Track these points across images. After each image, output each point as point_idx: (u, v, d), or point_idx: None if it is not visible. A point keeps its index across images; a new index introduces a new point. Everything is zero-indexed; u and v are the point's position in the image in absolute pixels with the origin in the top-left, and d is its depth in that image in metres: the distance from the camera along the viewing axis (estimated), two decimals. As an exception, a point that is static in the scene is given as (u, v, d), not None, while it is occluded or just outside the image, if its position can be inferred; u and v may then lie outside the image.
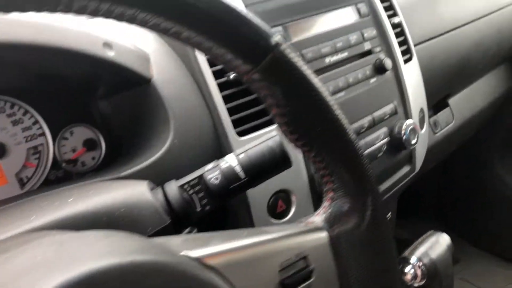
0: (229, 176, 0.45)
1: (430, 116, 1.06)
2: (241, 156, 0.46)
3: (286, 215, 0.66)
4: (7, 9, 0.24)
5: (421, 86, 0.89)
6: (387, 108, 0.79)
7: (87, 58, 0.51)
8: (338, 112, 0.35)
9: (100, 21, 0.27)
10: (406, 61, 0.84)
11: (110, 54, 0.52)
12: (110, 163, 0.60)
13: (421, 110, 0.88)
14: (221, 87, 0.61)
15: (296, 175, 0.66)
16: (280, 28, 0.67)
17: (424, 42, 0.95)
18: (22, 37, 0.46)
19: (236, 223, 0.65)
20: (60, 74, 0.56)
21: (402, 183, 0.86)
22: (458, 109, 1.15)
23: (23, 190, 0.58)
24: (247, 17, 0.30)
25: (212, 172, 0.46)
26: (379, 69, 0.77)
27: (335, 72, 0.73)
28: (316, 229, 0.37)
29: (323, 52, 0.71)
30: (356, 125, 0.74)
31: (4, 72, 0.53)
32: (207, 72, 0.61)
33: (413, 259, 0.65)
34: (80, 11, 0.25)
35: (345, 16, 0.76)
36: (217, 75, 0.61)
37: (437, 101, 1.09)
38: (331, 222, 0.37)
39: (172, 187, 0.45)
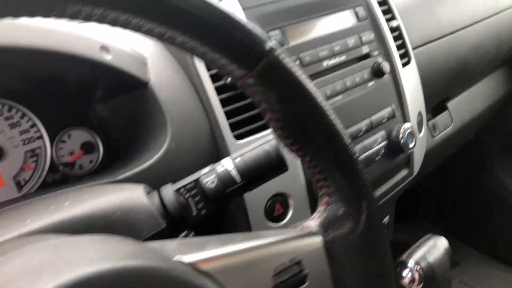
0: (225, 180, 0.46)
1: (428, 120, 1.06)
2: (237, 160, 0.46)
3: (284, 219, 0.66)
4: (1, 14, 0.24)
5: (419, 90, 0.89)
6: (385, 112, 0.79)
7: (84, 62, 0.51)
8: (333, 117, 0.35)
9: (97, 24, 0.27)
10: (404, 65, 0.85)
11: (107, 57, 0.52)
12: (108, 166, 0.60)
13: (419, 114, 0.88)
14: (219, 90, 0.62)
15: (294, 178, 0.66)
16: (277, 31, 0.67)
17: (423, 46, 0.95)
18: (19, 41, 0.46)
19: (233, 226, 0.65)
20: (58, 77, 0.56)
21: (400, 186, 0.86)
22: (457, 112, 1.15)
23: (20, 193, 0.58)
24: (241, 23, 0.30)
25: (208, 176, 0.46)
26: (377, 72, 0.78)
27: (333, 76, 0.73)
28: (311, 233, 0.37)
29: (320, 55, 0.71)
30: (353, 128, 0.74)
31: (2, 75, 0.53)
32: (205, 76, 0.61)
33: (410, 263, 0.65)
34: (73, 16, 0.26)
35: (343, 20, 0.76)
36: (214, 78, 0.62)
37: (435, 105, 1.09)
38: (325, 227, 0.37)
39: (168, 191, 0.45)
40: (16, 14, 0.24)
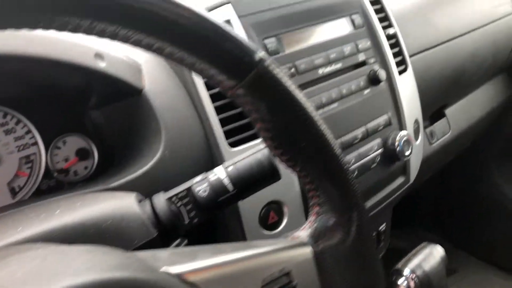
0: (218, 189, 0.45)
1: (426, 127, 1.06)
2: (230, 168, 0.46)
3: (278, 227, 0.66)
4: None
5: (416, 97, 0.89)
6: (381, 119, 0.79)
7: (79, 69, 0.51)
8: (323, 127, 0.35)
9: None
10: (401, 72, 0.85)
11: (101, 65, 0.53)
12: (103, 173, 0.60)
13: (416, 121, 0.88)
14: (213, 98, 0.62)
15: (288, 186, 0.66)
16: (273, 39, 0.67)
17: (420, 53, 0.95)
18: (13, 49, 0.47)
19: (228, 234, 0.65)
20: (52, 84, 0.56)
21: (396, 194, 0.86)
22: (454, 119, 1.15)
23: (14, 200, 0.58)
24: (231, 33, 0.30)
25: (201, 185, 0.46)
26: (373, 80, 0.78)
27: (329, 83, 0.73)
28: (301, 244, 0.37)
29: (316, 63, 0.71)
30: (349, 136, 0.74)
31: (-3, 82, 0.53)
32: (199, 83, 0.61)
33: (406, 271, 0.65)
34: (61, 28, 0.26)
35: (339, 27, 0.76)
36: (209, 86, 0.62)
37: (433, 112, 1.09)
38: (316, 237, 0.37)
39: (160, 199, 0.45)
40: (2, 26, 0.24)
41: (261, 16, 0.67)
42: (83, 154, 0.62)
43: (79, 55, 0.51)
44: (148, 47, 0.29)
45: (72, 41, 0.51)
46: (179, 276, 0.29)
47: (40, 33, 0.49)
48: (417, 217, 1.66)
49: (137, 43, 0.28)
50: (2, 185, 0.57)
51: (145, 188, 0.52)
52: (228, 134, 0.62)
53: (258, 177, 0.46)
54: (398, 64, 0.84)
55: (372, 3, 0.83)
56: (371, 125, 0.77)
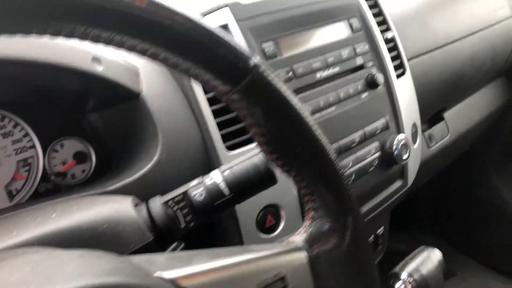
0: (214, 193, 0.46)
1: (425, 130, 1.06)
2: (226, 172, 0.46)
3: (275, 230, 0.66)
4: None
5: (414, 101, 0.89)
6: (379, 123, 0.79)
7: (76, 73, 0.51)
8: (318, 132, 0.35)
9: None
10: (399, 76, 0.85)
11: (99, 68, 0.53)
12: (100, 176, 0.60)
13: (414, 125, 0.88)
14: (211, 101, 0.62)
15: (285, 190, 0.66)
16: (271, 43, 0.67)
17: (418, 57, 0.96)
18: (10, 53, 0.47)
19: (225, 237, 0.65)
20: (50, 88, 0.56)
21: (394, 197, 0.86)
22: (453, 123, 1.15)
23: (11, 203, 0.58)
24: (225, 39, 0.31)
25: (197, 189, 0.46)
26: (371, 84, 0.78)
27: (326, 87, 0.73)
28: (296, 249, 0.37)
29: (314, 67, 0.71)
30: (347, 139, 0.74)
31: (-6, 86, 0.53)
32: (197, 87, 0.61)
33: (403, 275, 0.65)
34: (55, 34, 0.26)
35: (337, 31, 0.76)
36: (206, 89, 0.62)
37: (432, 115, 1.09)
38: (311, 242, 0.37)
39: (156, 203, 0.45)
40: None
41: (259, 20, 0.67)
42: (80, 157, 0.62)
43: (76, 59, 0.51)
44: (142, 53, 0.29)
45: (69, 45, 0.51)
46: (173, 281, 0.29)
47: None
48: (416, 220, 1.66)
49: (131, 49, 0.28)
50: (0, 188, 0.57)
51: (142, 192, 0.52)
52: (225, 138, 0.62)
53: (255, 181, 0.46)
54: (396, 67, 0.84)
55: (370, 7, 0.83)
56: (369, 128, 0.77)
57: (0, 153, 0.58)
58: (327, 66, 0.73)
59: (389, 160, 0.79)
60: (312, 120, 0.35)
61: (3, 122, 0.58)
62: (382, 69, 0.81)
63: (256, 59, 0.32)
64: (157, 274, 0.29)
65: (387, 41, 0.83)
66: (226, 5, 0.65)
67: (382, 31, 0.84)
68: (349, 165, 0.74)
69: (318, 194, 0.37)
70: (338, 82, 0.75)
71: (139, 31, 0.28)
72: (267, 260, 0.35)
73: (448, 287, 1.43)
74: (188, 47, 0.30)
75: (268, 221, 0.65)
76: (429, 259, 0.69)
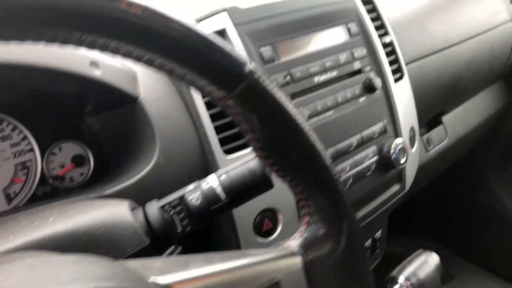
0: (210, 198, 0.46)
1: (423, 134, 1.07)
2: (223, 177, 0.47)
3: (273, 234, 0.66)
4: None
5: (412, 105, 0.89)
6: (376, 127, 0.79)
7: (74, 78, 0.52)
8: (313, 138, 0.36)
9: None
10: (396, 80, 0.85)
11: (97, 73, 0.53)
12: (98, 180, 0.60)
13: (412, 129, 0.88)
14: (208, 105, 0.62)
15: (282, 193, 0.66)
16: (269, 47, 0.68)
17: (416, 61, 0.96)
18: (9, 57, 0.47)
19: (222, 241, 0.65)
20: (48, 92, 0.56)
21: (392, 201, 0.86)
22: (451, 126, 1.16)
23: (9, 206, 0.58)
24: (221, 45, 0.31)
25: (193, 193, 0.46)
26: (369, 88, 0.78)
27: (324, 91, 0.73)
28: (291, 254, 0.37)
29: (312, 71, 0.71)
30: (344, 143, 0.74)
31: (-7, 90, 0.54)
32: (195, 91, 0.61)
33: (401, 279, 0.65)
34: (50, 41, 0.26)
35: (335, 36, 0.77)
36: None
37: (430, 119, 1.10)
38: (306, 247, 0.38)
39: (153, 208, 0.45)
40: None
41: (257, 24, 0.68)
42: (79, 161, 0.62)
43: (74, 63, 0.51)
44: (138, 59, 0.29)
45: (67, 50, 0.51)
46: (167, 287, 0.30)
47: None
48: (415, 223, 1.67)
49: (127, 55, 0.28)
50: (-2, 191, 0.58)
51: (140, 195, 0.52)
52: (223, 142, 0.62)
53: (251, 186, 0.47)
54: (394, 72, 0.85)
55: (368, 11, 0.83)
56: (366, 132, 0.77)
57: (-2, 157, 0.58)
58: (325, 71, 0.73)
59: (387, 164, 0.79)
60: (307, 126, 0.35)
61: (1, 125, 0.58)
62: (380, 73, 0.81)
63: (251, 65, 0.32)
64: (152, 279, 0.30)
65: (385, 45, 0.84)
66: (224, 10, 0.66)
67: (380, 36, 0.84)
68: (346, 169, 0.74)
69: (313, 199, 0.37)
70: (336, 86, 0.75)
71: (134, 38, 0.28)
72: (262, 265, 0.35)
73: (447, 291, 1.43)
74: (184, 54, 0.30)
75: (265, 225, 0.65)
76: (426, 263, 0.69)
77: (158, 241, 0.44)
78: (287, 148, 0.35)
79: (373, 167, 0.78)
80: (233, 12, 0.66)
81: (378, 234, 0.94)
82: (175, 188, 0.48)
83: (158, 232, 0.44)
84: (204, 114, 0.61)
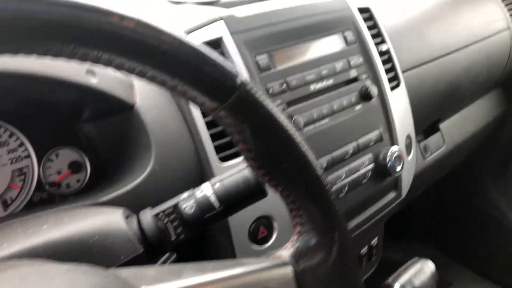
0: (204, 206, 0.46)
1: (420, 141, 1.07)
2: (217, 185, 0.47)
3: (268, 241, 0.67)
4: None
5: (408, 113, 0.89)
6: (372, 135, 0.79)
7: (71, 86, 0.52)
8: (305, 148, 0.36)
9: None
10: (393, 88, 0.85)
11: (93, 81, 0.53)
12: (94, 186, 0.60)
13: (408, 137, 0.88)
14: (204, 113, 0.62)
15: (278, 201, 0.65)
16: (265, 55, 0.68)
17: (413, 68, 0.96)
18: (6, 66, 0.47)
19: (217, 248, 0.65)
20: (45, 99, 0.57)
21: (388, 209, 0.86)
22: (449, 134, 1.16)
23: (6, 212, 0.59)
24: (212, 57, 0.31)
25: (187, 201, 0.46)
26: (365, 96, 0.78)
27: (320, 99, 0.74)
28: (282, 263, 0.37)
29: (308, 79, 0.72)
30: (340, 151, 0.74)
31: (-10, 97, 0.54)
32: (191, 99, 0.62)
33: (396, 286, 0.65)
34: (42, 54, 0.26)
35: (332, 44, 0.77)
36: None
37: (427, 126, 1.10)
38: (297, 257, 0.38)
39: (147, 216, 0.46)
40: None
41: (254, 33, 0.68)
42: (75, 167, 0.63)
43: (70, 71, 0.51)
44: (130, 71, 0.29)
45: (63, 58, 0.52)
46: (158, 297, 0.30)
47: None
48: (412, 230, 1.67)
49: (119, 67, 0.29)
50: (-6, 198, 0.58)
51: (135, 202, 0.52)
52: (218, 149, 0.63)
53: (245, 194, 0.47)
54: (390, 80, 0.85)
55: (365, 20, 0.84)
56: (362, 140, 0.78)
57: (-5, 163, 0.58)
58: (321, 79, 0.73)
59: (383, 172, 0.79)
60: (299, 137, 0.35)
61: (-2, 131, 0.58)
62: (376, 81, 0.82)
63: (243, 77, 0.32)
64: (142, 288, 0.30)
65: (381, 53, 0.84)
66: (221, 18, 0.66)
67: (377, 44, 0.84)
68: (342, 176, 0.74)
69: (305, 209, 0.37)
70: (331, 94, 0.75)
71: (126, 51, 0.28)
72: (253, 275, 0.36)
73: (444, 297, 1.43)
74: (176, 66, 0.30)
75: (260, 232, 0.65)
76: (422, 270, 0.69)
77: (152, 249, 0.44)
78: (278, 159, 0.35)
79: (369, 175, 0.78)
80: (229, 21, 0.66)
81: (374, 241, 0.95)
82: (171, 195, 0.49)
83: (152, 240, 0.44)
84: (200, 122, 0.62)
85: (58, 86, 0.52)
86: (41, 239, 0.39)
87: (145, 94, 0.60)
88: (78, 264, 0.31)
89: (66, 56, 0.27)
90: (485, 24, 1.18)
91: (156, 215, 0.46)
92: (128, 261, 0.42)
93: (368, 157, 0.79)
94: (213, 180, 0.48)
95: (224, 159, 0.63)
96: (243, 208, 0.48)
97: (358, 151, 0.77)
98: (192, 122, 0.62)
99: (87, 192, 0.58)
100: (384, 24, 0.88)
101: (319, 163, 0.39)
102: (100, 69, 0.54)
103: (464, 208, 1.56)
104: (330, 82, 0.75)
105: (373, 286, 0.71)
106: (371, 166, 0.79)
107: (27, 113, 0.59)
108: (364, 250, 0.93)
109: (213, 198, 0.46)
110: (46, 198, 0.61)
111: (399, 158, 0.80)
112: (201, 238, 0.65)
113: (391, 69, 0.86)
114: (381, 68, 0.83)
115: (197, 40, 0.62)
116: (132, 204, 0.51)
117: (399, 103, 0.86)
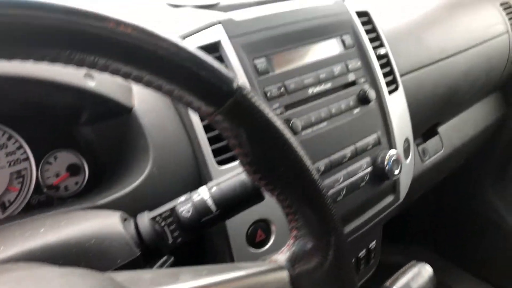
0: (201, 210, 0.46)
1: (419, 144, 1.07)
2: (214, 189, 0.47)
3: (266, 244, 0.67)
4: None
5: (407, 116, 0.89)
6: (370, 138, 0.80)
7: (69, 89, 0.52)
8: (301, 152, 0.36)
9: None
10: (391, 92, 0.85)
11: (91, 84, 0.53)
12: (92, 189, 0.61)
13: (406, 140, 0.88)
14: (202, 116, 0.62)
15: (276, 204, 0.65)
16: (263, 59, 0.68)
17: (412, 72, 0.96)
18: (4, 69, 0.48)
19: (215, 252, 0.65)
20: (44, 103, 0.57)
21: (386, 212, 0.86)
22: (447, 137, 1.16)
23: (4, 215, 0.59)
24: (209, 62, 0.31)
25: (184, 205, 0.46)
26: (363, 99, 0.78)
27: (318, 103, 0.74)
28: (278, 268, 0.37)
29: (306, 83, 0.72)
30: (338, 154, 0.75)
31: (-12, 100, 0.54)
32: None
33: (394, 290, 0.65)
34: (39, 59, 0.26)
35: (330, 48, 0.77)
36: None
37: (426, 129, 1.10)
38: (293, 261, 0.38)
39: (144, 219, 0.46)
40: None
41: (252, 36, 0.68)
42: (74, 170, 0.63)
43: (68, 74, 0.52)
44: (126, 76, 0.30)
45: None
46: (153, 301, 0.30)
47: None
48: (411, 233, 1.67)
49: (115, 72, 0.29)
50: (-8, 200, 0.58)
51: (133, 205, 0.52)
52: (216, 153, 0.63)
53: (242, 198, 0.47)
54: (388, 83, 0.85)
55: (363, 23, 0.84)
56: (360, 144, 0.78)
57: (-6, 165, 0.58)
58: (319, 82, 0.74)
59: (381, 175, 0.80)
60: (295, 141, 0.36)
61: (-3, 134, 0.58)
62: (374, 85, 0.82)
63: (239, 82, 0.33)
64: (138, 293, 0.30)
65: (379, 57, 0.84)
66: (219, 22, 0.66)
67: (375, 47, 0.84)
68: (340, 180, 0.74)
69: (301, 213, 0.37)
70: (330, 98, 0.75)
71: (123, 56, 0.29)
72: (249, 279, 0.36)
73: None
74: (172, 71, 0.30)
75: (258, 235, 0.65)
76: (419, 274, 0.69)
77: (149, 252, 0.45)
78: (275, 163, 0.35)
79: (367, 178, 0.78)
80: (228, 25, 0.67)
81: (372, 244, 0.95)
82: (168, 198, 0.49)
83: (149, 244, 0.45)
84: (197, 125, 0.62)
85: (57, 89, 0.52)
86: (39, 242, 0.40)
87: (143, 98, 0.60)
88: (75, 267, 0.31)
89: (62, 61, 0.27)
90: (484, 27, 1.18)
91: (153, 218, 0.46)
92: (125, 265, 0.42)
93: (366, 160, 0.79)
94: (210, 183, 0.48)
95: (221, 162, 0.63)
96: (240, 212, 0.48)
97: (356, 155, 0.77)
98: (190, 126, 0.62)
99: (85, 194, 0.58)
100: (382, 27, 0.89)
101: (315, 167, 0.39)
102: (98, 73, 0.54)
103: (463, 212, 1.56)
104: (328, 85, 0.75)
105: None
106: (369, 169, 0.79)
107: (26, 116, 0.59)
108: (362, 253, 0.93)
109: (210, 202, 0.46)
110: (44, 201, 0.61)
111: (397, 161, 0.80)
112: (198, 242, 0.65)
113: (389, 73, 0.87)
114: (379, 72, 0.83)
115: (194, 44, 0.63)
116: (130, 207, 0.51)
117: (397, 107, 0.86)
